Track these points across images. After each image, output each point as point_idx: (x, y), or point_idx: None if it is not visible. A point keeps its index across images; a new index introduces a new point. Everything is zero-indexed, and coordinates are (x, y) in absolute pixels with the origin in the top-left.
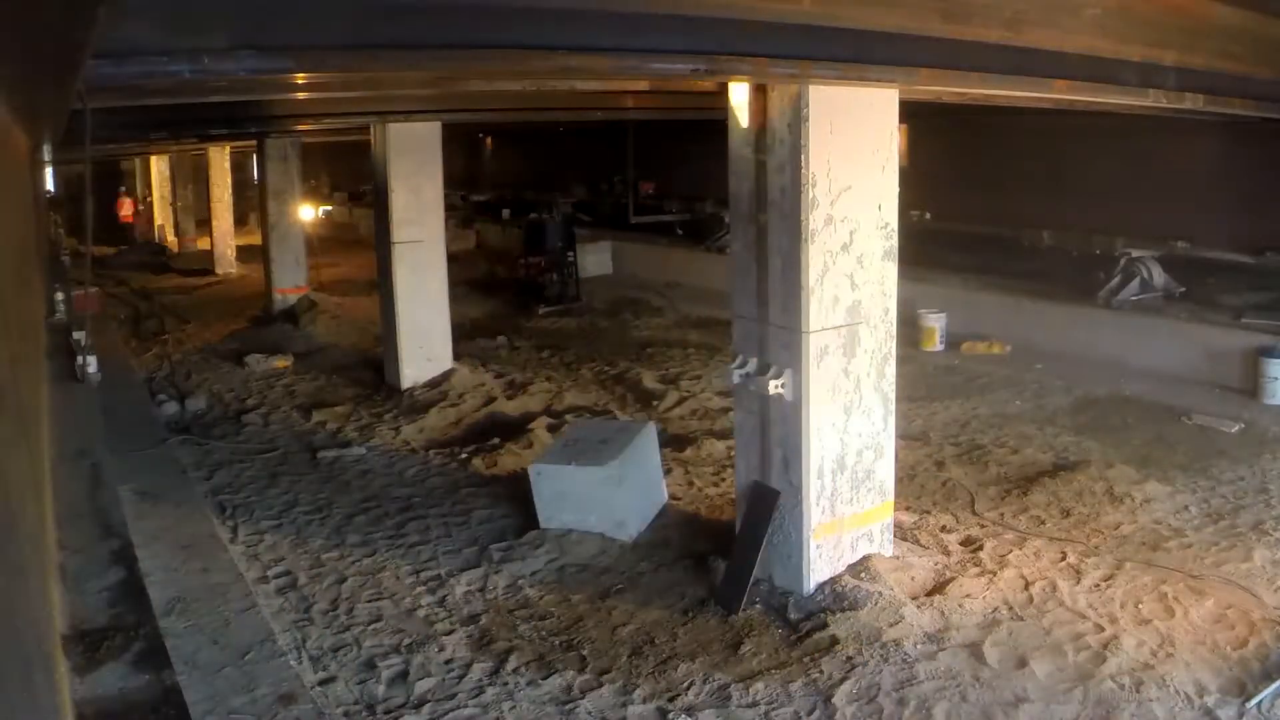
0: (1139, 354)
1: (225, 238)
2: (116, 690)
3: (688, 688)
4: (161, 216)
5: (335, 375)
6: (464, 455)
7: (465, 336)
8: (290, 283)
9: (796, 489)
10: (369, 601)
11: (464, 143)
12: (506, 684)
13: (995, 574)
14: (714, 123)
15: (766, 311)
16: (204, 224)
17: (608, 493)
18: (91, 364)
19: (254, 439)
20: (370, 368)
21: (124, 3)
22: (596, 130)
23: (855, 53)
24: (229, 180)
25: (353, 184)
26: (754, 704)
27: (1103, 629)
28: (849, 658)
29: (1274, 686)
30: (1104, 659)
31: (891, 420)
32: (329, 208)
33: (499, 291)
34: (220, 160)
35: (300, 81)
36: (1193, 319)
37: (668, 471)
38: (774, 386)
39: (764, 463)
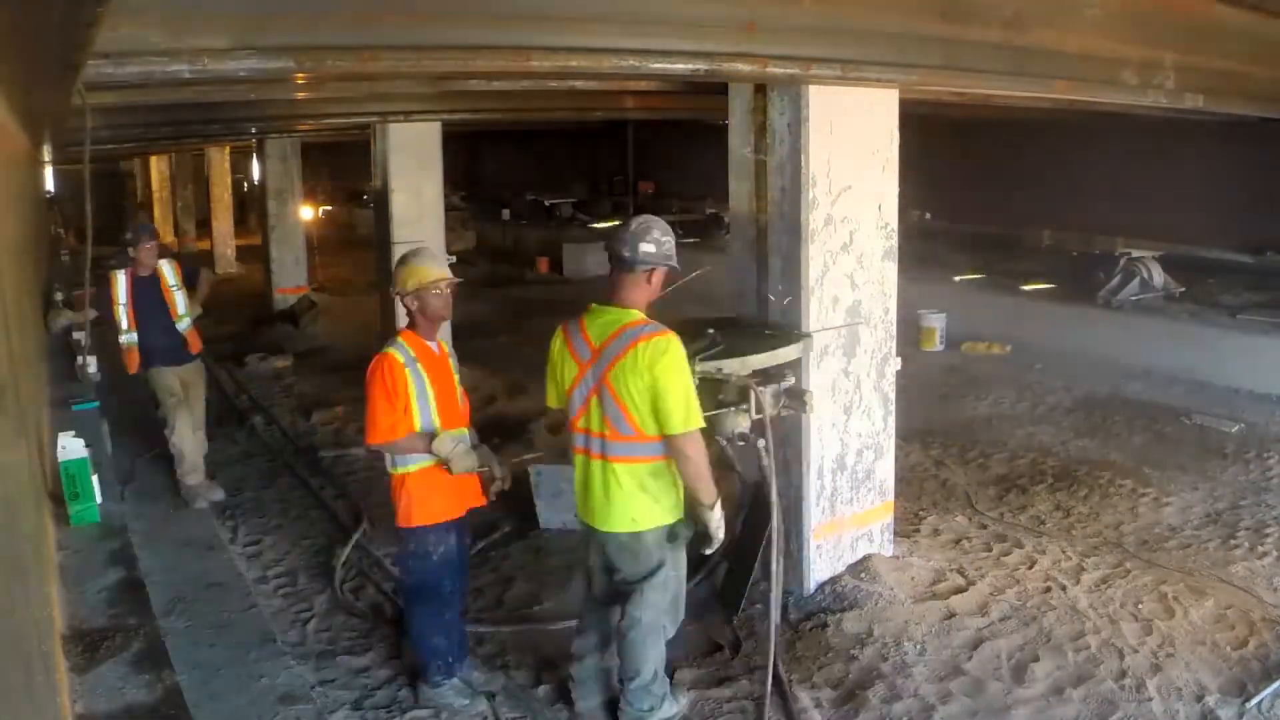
0: (1139, 354)
1: (225, 238)
2: (116, 690)
3: (688, 689)
4: (162, 217)
5: (335, 375)
6: None
7: (466, 336)
8: (290, 282)
9: (797, 489)
10: (369, 601)
11: (464, 143)
12: (502, 682)
13: (995, 574)
14: (714, 123)
15: (765, 312)
16: (204, 224)
17: None
18: (91, 364)
19: (254, 439)
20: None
21: (124, 2)
22: (596, 130)
23: (855, 53)
24: (229, 180)
25: (353, 184)
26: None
27: (1103, 629)
28: (848, 658)
29: (1274, 686)
30: (1104, 659)
31: (891, 420)
32: (329, 207)
33: (500, 291)
34: (220, 160)
35: (300, 81)
36: (1193, 319)
37: None
38: (774, 387)
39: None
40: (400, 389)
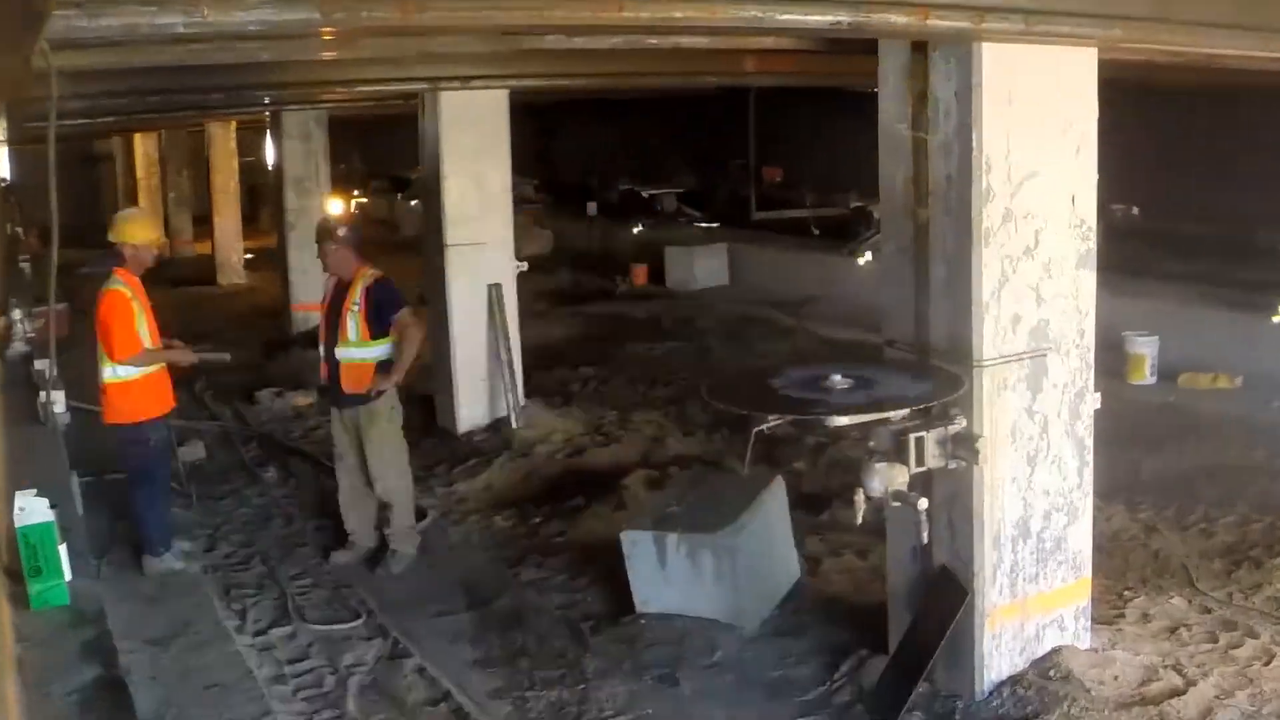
0: None
1: (231, 239)
2: None
3: None
4: (148, 212)
5: None
6: (537, 519)
7: (540, 366)
8: (314, 297)
9: (966, 564)
10: (424, 706)
11: (538, 117)
12: None
13: (1222, 671)
14: (860, 91)
15: (927, 334)
16: (203, 221)
17: (723, 568)
18: (59, 402)
19: (268, 498)
20: (418, 406)
21: None
22: (709, 101)
23: (1042, 1)
24: (236, 165)
25: (395, 169)
26: None
27: None
28: None
29: None
30: None
31: (1088, 474)
32: (364, 200)
33: (583, 308)
34: (224, 139)
35: (328, 37)
36: None
37: (801, 540)
38: (938, 433)
39: (924, 531)
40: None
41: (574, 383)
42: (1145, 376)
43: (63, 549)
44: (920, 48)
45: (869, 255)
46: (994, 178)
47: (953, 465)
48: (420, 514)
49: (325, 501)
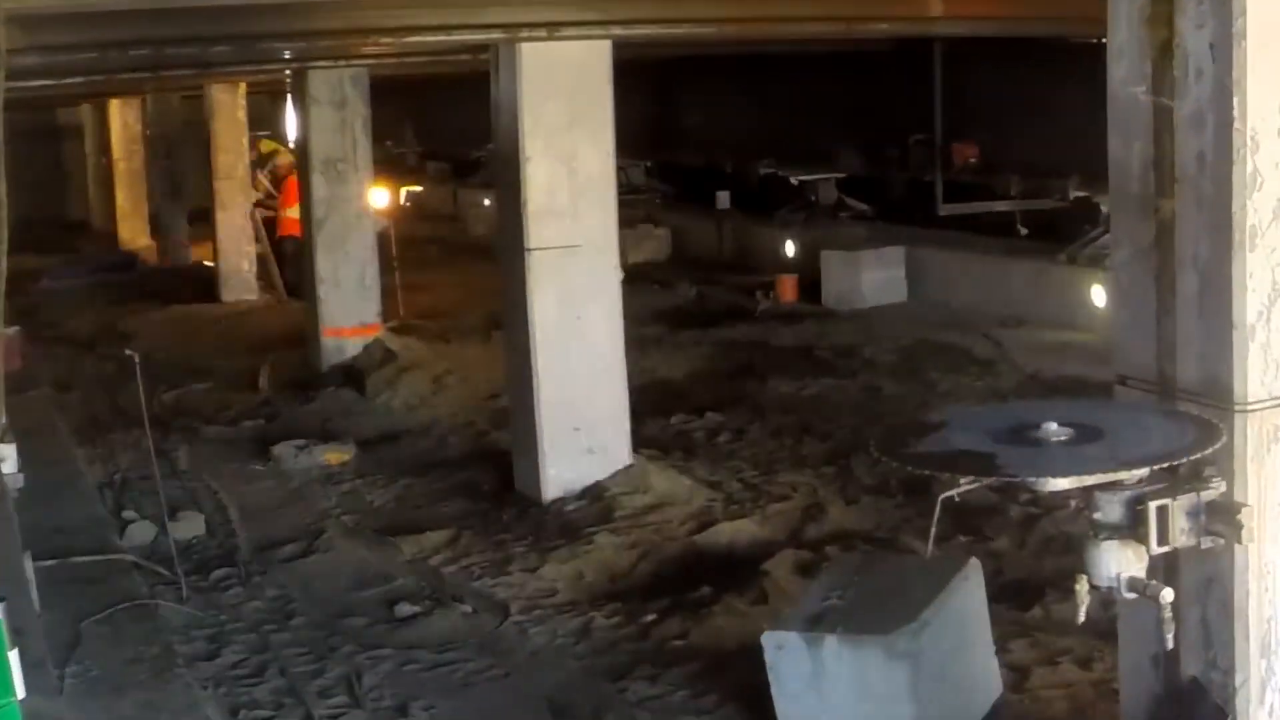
0: None
1: (238, 241)
2: None
3: None
4: (128, 203)
5: (428, 478)
6: (649, 617)
7: (654, 410)
8: (352, 319)
9: (1225, 676)
10: None
11: (651, 79)
12: None
13: None
14: (1083, 43)
15: (1172, 368)
16: (202, 216)
17: (898, 681)
18: (8, 459)
19: (290, 588)
20: (489, 465)
21: None
22: (880, 58)
23: None
24: (246, 142)
25: (459, 148)
26: None
27: None
28: None
29: None
30: None
31: None
32: (417, 188)
33: (712, 332)
34: (231, 107)
35: None
36: None
37: (1003, 644)
38: (1187, 500)
39: (1169, 632)
40: None
41: (698, 432)
42: None
43: (13, 656)
44: None
45: (1095, 262)
46: (1262, 159)
47: (1207, 544)
48: (502, 610)
49: (365, 588)
